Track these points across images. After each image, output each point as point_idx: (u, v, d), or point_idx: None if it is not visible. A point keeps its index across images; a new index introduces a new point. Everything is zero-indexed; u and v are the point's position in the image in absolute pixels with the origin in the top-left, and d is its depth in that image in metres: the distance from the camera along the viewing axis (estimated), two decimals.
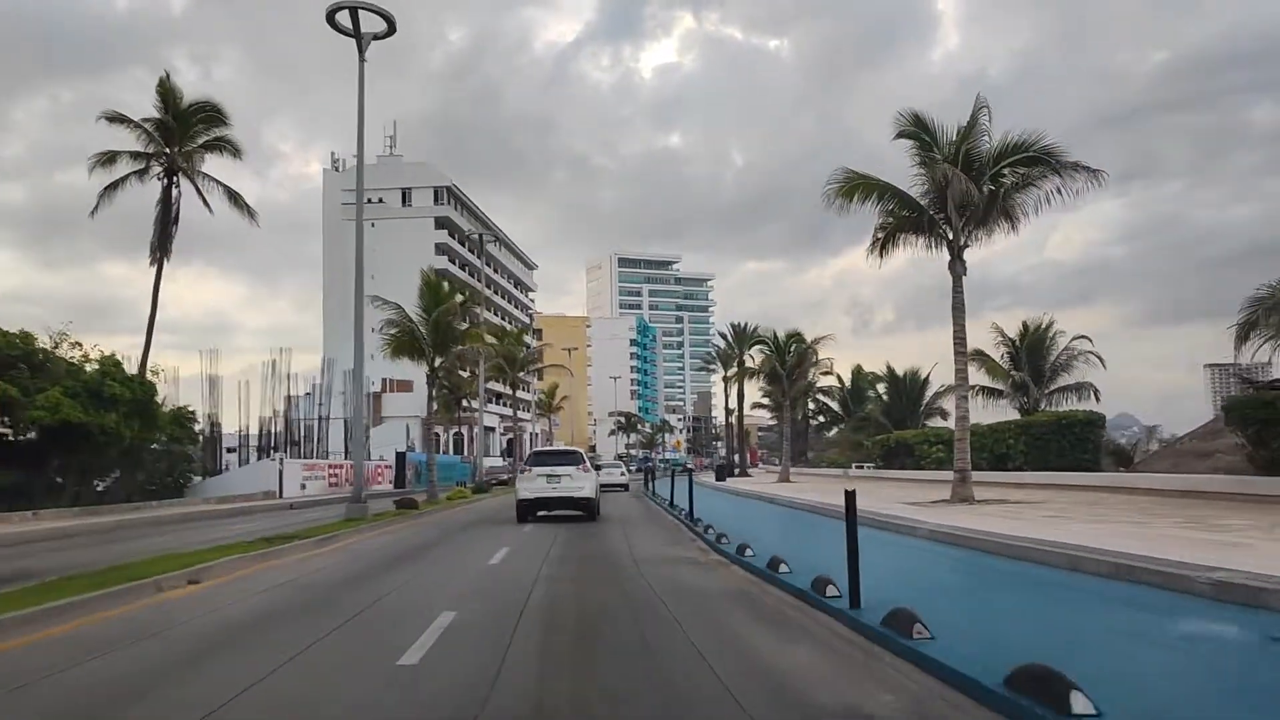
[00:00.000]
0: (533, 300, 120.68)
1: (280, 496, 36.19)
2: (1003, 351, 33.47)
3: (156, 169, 31.75)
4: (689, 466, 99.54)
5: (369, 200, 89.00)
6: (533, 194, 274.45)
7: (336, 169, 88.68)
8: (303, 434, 65.87)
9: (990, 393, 33.25)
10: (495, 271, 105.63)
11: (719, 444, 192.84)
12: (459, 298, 33.87)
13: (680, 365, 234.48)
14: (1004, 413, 32.92)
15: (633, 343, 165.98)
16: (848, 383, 66.03)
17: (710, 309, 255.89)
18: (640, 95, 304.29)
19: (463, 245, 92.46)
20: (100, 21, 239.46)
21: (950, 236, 18.38)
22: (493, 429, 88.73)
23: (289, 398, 66.45)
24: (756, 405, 75.32)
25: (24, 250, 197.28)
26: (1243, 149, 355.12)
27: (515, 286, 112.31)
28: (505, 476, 56.75)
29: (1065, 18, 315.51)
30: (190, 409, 35.80)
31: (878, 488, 28.38)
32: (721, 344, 67.24)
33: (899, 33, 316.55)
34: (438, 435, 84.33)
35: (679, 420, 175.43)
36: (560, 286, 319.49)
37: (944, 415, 41.71)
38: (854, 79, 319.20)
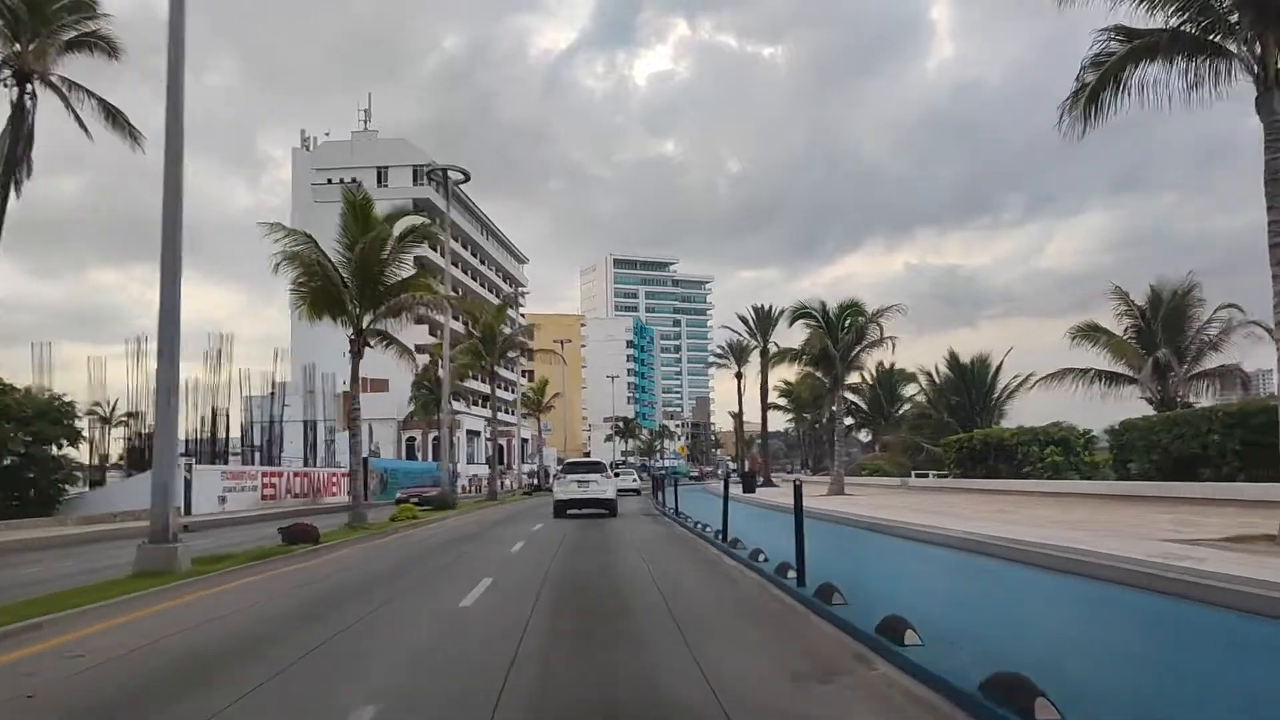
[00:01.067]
0: (525, 298, 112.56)
1: (187, 513, 27.92)
2: (1127, 325, 25.73)
3: (5, 73, 23.61)
4: (693, 475, 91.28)
5: (339, 180, 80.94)
6: (528, 202, 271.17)
7: (306, 147, 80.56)
8: (264, 439, 58.26)
9: (1111, 379, 25.49)
10: (483, 263, 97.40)
11: (718, 451, 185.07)
12: (404, 227, 25.56)
13: (677, 370, 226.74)
14: (1128, 405, 25.17)
15: (629, 344, 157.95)
16: (873, 381, 58.34)
17: (709, 312, 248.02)
18: (634, 103, 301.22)
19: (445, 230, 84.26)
20: None
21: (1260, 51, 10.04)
22: (477, 433, 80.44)
23: (247, 398, 58.61)
24: (774, 406, 67.37)
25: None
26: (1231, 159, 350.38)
27: (504, 280, 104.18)
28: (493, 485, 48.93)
29: (1059, 27, 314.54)
30: (67, 399, 27.50)
31: (1016, 506, 20.28)
32: (732, 336, 59.37)
33: (893, 41, 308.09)
34: (413, 439, 76.16)
35: (678, 426, 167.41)
36: (554, 293, 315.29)
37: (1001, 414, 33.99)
38: (848, 87, 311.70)
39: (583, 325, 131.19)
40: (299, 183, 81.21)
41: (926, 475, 32.58)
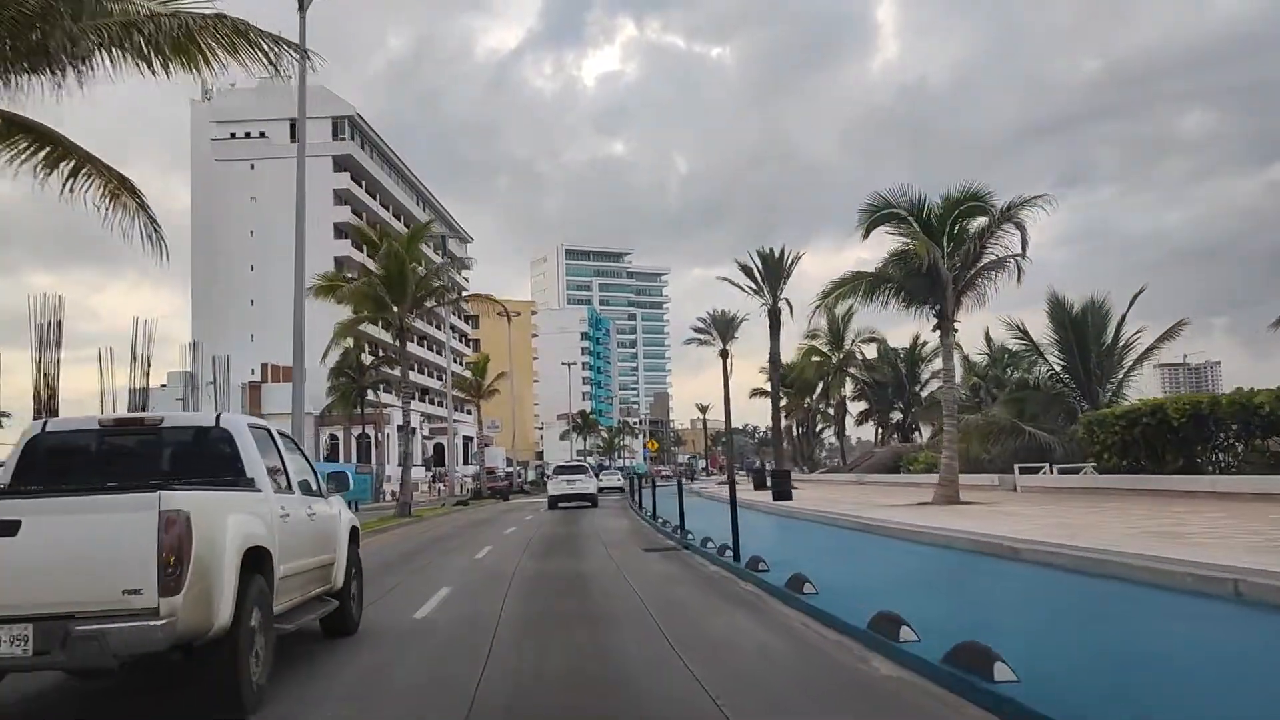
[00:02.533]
0: (468, 280, 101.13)
1: None
2: None
3: None
4: (667, 474, 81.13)
5: (245, 135, 69.03)
6: (475, 200, 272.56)
7: (207, 97, 68.40)
8: None
9: None
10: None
11: (677, 449, 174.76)
12: None
13: (634, 365, 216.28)
14: None
15: (584, 336, 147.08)
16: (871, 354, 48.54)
17: (665, 305, 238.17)
18: (583, 103, 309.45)
19: (372, 196, 72.94)
20: None
21: None
22: (414, 429, 68.86)
23: (141, 391, 46.77)
24: (761, 393, 57.12)
25: None
26: (1173, 156, 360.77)
27: (442, 256, 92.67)
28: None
29: (1000, 28, 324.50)
30: None
31: None
32: (695, 325, 49.19)
33: (839, 42, 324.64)
34: (335, 437, 64.55)
35: (635, 423, 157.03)
36: (502, 291, 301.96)
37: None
38: (795, 87, 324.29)
39: (534, 313, 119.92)
40: (198, 139, 69.07)
41: (1043, 471, 22.49)
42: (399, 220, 78.47)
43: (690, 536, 15.45)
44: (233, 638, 4.72)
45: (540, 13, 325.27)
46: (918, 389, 45.43)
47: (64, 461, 5.88)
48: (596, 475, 39.55)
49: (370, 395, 57.72)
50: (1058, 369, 25.11)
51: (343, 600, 7.11)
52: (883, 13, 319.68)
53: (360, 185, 70.08)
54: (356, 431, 61.39)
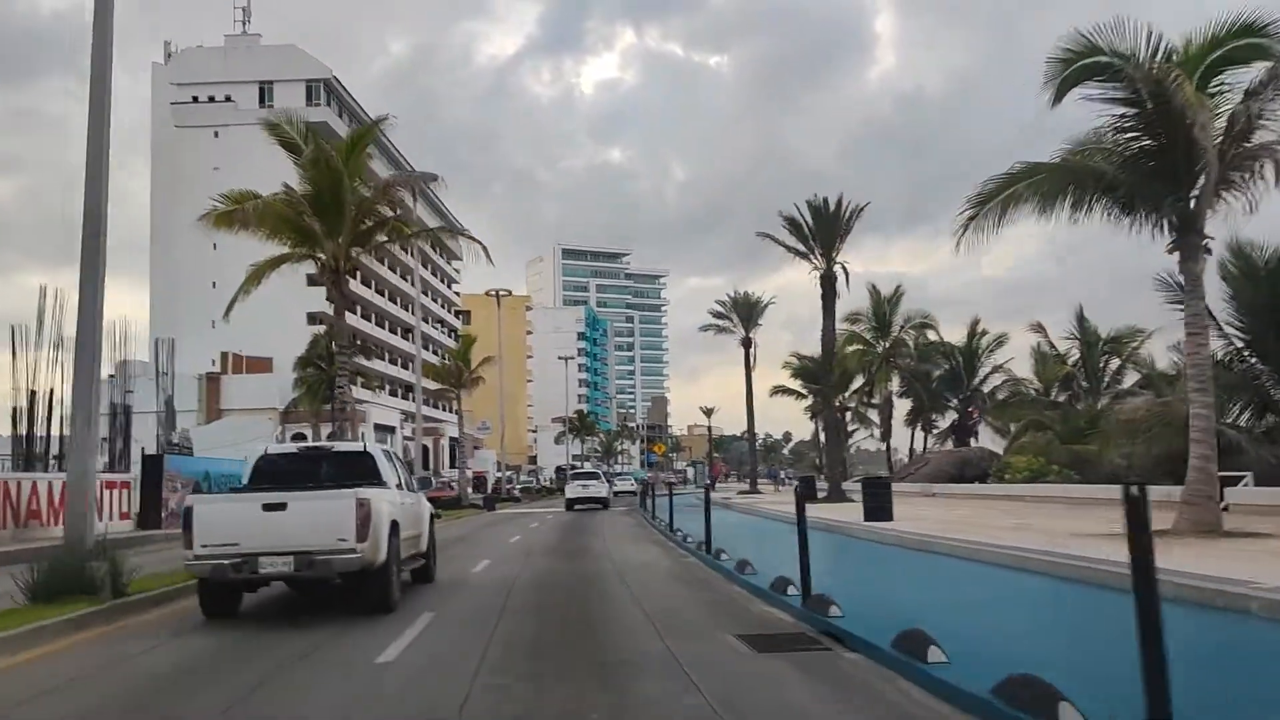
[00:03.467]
0: (458, 271, 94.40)
1: None
2: None
3: None
4: (673, 482, 74.43)
5: (210, 99, 62.24)
6: (473, 206, 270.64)
7: (168, 56, 61.63)
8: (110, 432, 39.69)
9: None
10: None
11: (675, 455, 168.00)
12: None
13: (631, 369, 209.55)
14: None
15: (581, 336, 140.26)
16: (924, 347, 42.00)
17: (663, 308, 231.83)
18: (581, 110, 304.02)
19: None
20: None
21: None
22: (392, 429, 62.16)
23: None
24: (784, 390, 50.60)
25: None
26: None
27: (432, 248, 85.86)
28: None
29: (998, 38, 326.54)
30: None
31: None
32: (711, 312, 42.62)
33: (837, 52, 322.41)
34: (304, 435, 57.62)
35: (633, 428, 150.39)
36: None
37: None
38: (793, 96, 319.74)
39: (528, 308, 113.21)
40: (158, 102, 62.27)
41: (1240, 481, 15.94)
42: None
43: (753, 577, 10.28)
44: (386, 568, 8.89)
45: (540, 19, 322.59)
46: (978, 383, 38.88)
47: (279, 469, 10.25)
48: (610, 481, 46.86)
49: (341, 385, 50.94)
50: (1239, 344, 18.49)
51: (427, 560, 11.46)
52: (881, 23, 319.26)
53: None
54: (331, 430, 54.46)
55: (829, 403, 36.87)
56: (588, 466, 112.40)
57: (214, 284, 59.27)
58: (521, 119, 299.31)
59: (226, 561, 8.37)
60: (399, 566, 9.36)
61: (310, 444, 14.95)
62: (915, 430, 45.62)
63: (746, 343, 42.09)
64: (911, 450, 44.02)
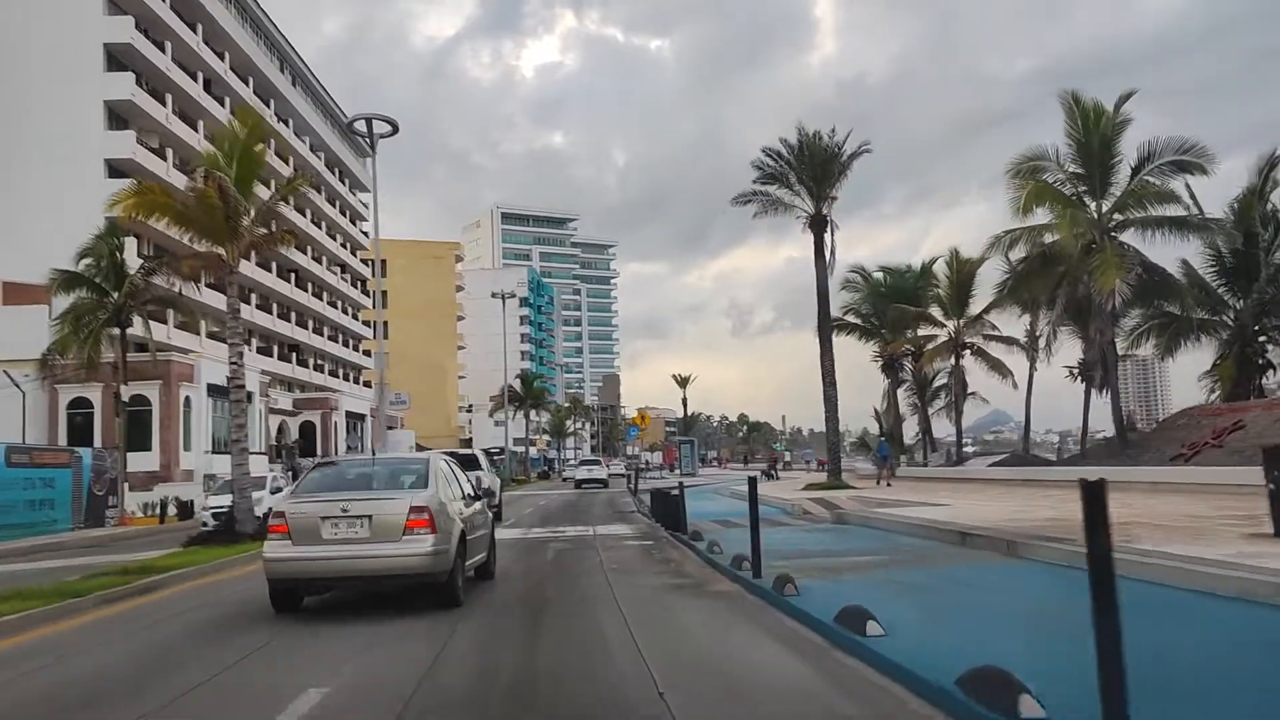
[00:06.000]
0: (366, 205, 75.15)
1: None
2: None
3: None
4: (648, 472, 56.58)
5: None
6: (410, 190, 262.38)
7: None
8: None
9: None
10: (297, 133, 59.62)
11: (623, 443, 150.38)
12: None
13: (579, 346, 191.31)
14: None
15: (524, 302, 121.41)
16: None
17: (613, 280, 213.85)
18: (521, 93, 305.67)
19: (187, 72, 46.90)
20: None
21: None
22: (247, 394, 42.89)
23: None
24: (843, 325, 34.07)
25: None
26: None
27: (331, 170, 66.70)
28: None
29: (937, 26, 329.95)
30: None
31: None
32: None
33: (778, 38, 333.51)
34: (86, 408, 38.65)
35: (588, 406, 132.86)
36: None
37: None
38: (734, 82, 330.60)
39: (458, 259, 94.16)
40: None
41: None
42: (263, 102, 52.41)
43: None
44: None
45: (478, 1, 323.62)
46: None
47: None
48: (607, 466, 58.38)
49: (137, 320, 32.16)
50: None
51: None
52: (820, 9, 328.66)
53: (147, 34, 43.72)
54: (136, 393, 35.43)
55: (830, 367, 26.61)
56: (549, 445, 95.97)
57: None
58: (460, 102, 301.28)
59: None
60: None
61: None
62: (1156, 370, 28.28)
63: (819, 224, 24.86)
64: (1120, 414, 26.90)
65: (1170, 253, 29.04)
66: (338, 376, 64.53)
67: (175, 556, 14.15)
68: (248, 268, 50.37)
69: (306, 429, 53.86)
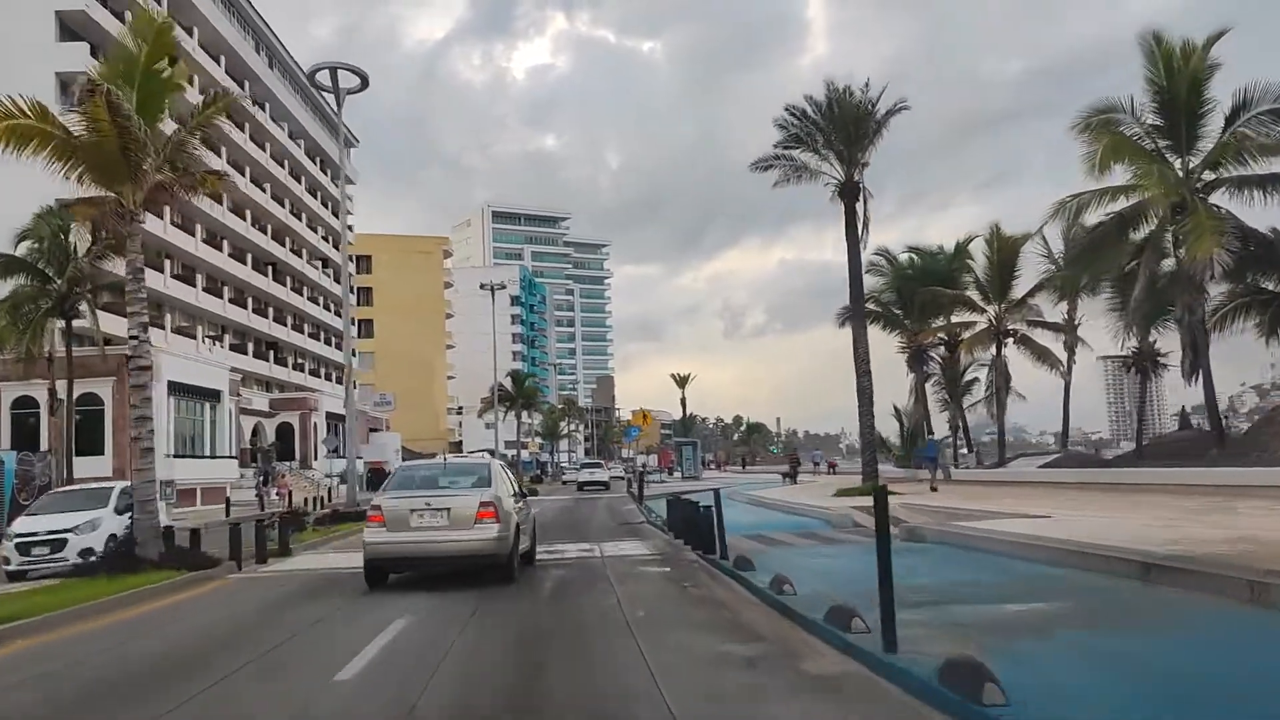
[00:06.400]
0: (351, 198, 71.77)
1: None
2: None
3: None
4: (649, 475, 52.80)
5: None
6: (403, 193, 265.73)
7: None
8: None
9: None
10: (273, 118, 56.25)
11: (619, 445, 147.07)
12: None
13: (571, 347, 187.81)
14: None
15: (515, 301, 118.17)
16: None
17: (606, 280, 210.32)
18: (513, 95, 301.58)
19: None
20: None
21: None
22: (213, 394, 39.77)
23: None
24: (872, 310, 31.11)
25: None
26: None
27: (313, 159, 63.37)
28: None
29: (930, 27, 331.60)
30: None
31: None
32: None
33: (770, 39, 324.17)
34: (27, 408, 35.27)
35: (582, 408, 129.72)
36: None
37: None
38: (726, 83, 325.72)
39: (447, 254, 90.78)
40: None
41: None
42: (225, 68, 49.08)
43: None
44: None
45: (469, 3, 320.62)
46: None
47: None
48: (608, 469, 57.67)
49: (81, 307, 28.83)
50: None
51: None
52: (813, 10, 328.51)
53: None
54: (89, 390, 32.18)
55: (864, 353, 23.47)
56: (542, 448, 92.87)
57: None
58: (452, 104, 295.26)
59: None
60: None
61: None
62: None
63: (850, 191, 21.81)
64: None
65: (1271, 217, 25.16)
66: (319, 376, 61.16)
67: (47, 594, 10.81)
68: (219, 257, 47.12)
69: (284, 431, 50.52)
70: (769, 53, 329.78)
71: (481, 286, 61.17)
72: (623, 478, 52.12)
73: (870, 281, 34.12)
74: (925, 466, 25.81)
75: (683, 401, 77.11)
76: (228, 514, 30.17)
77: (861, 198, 22.82)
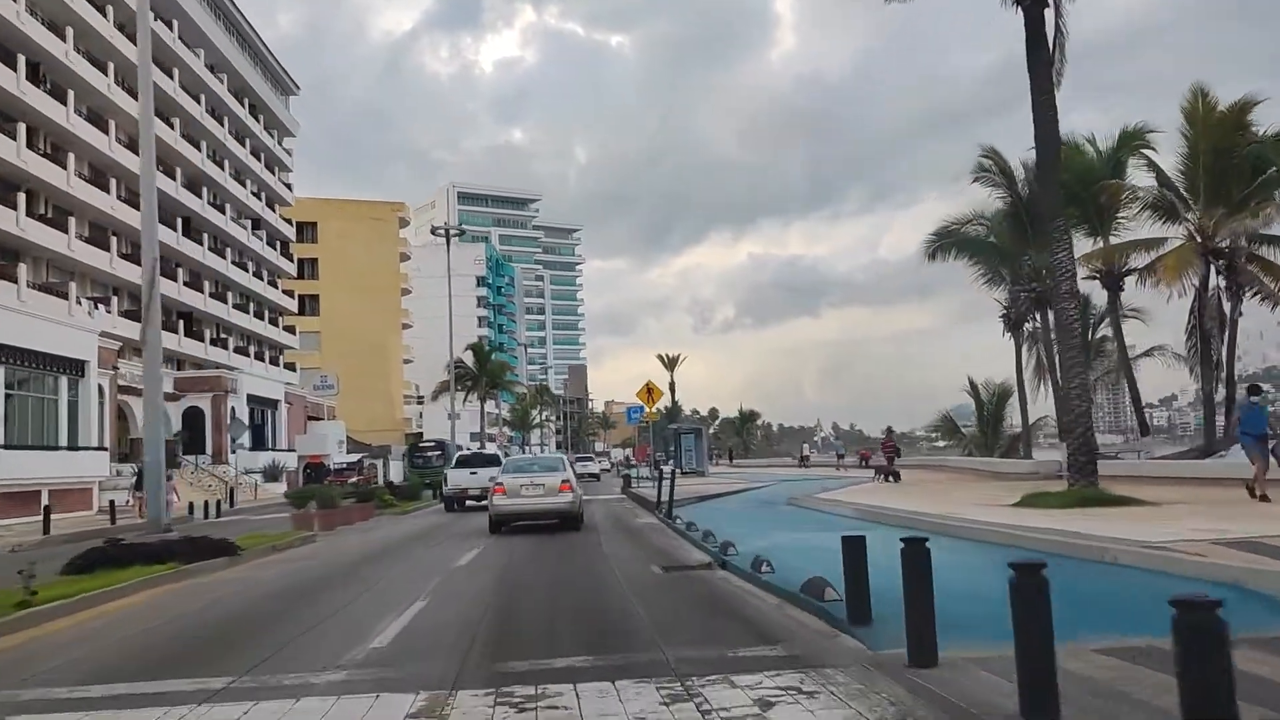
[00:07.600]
0: (290, 152, 62.38)
1: None
2: None
3: None
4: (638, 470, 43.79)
5: None
6: (369, 188, 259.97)
7: None
8: None
9: None
10: (183, 40, 46.56)
11: (593, 437, 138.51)
12: None
13: (541, 335, 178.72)
14: None
15: (481, 282, 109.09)
16: None
17: (578, 267, 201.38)
18: (481, 88, 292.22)
19: None
20: None
21: None
22: (79, 365, 30.37)
23: None
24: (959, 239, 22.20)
25: None
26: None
27: (240, 100, 53.74)
28: None
29: (898, 21, 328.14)
30: None
31: None
32: None
33: (738, 33, 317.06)
34: None
35: (557, 395, 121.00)
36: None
37: None
38: (695, 77, 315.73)
39: (404, 221, 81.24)
40: None
41: None
42: None
43: None
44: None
45: None
46: None
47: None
48: (598, 463, 59.25)
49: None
50: None
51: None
52: (781, 4, 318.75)
53: None
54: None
55: (1061, 248, 15.05)
56: (512, 440, 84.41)
57: None
58: (419, 98, 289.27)
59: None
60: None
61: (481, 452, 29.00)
62: None
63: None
64: None
65: None
66: (248, 355, 51.80)
67: None
68: (104, 200, 37.79)
69: (193, 417, 41.21)
70: (737, 46, 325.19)
71: (432, 232, 52.07)
72: (608, 470, 48.47)
73: (978, 194, 25.52)
74: (1252, 449, 13.23)
75: (671, 386, 68.55)
76: (113, 521, 22.65)
77: (1044, 31, 14.36)
